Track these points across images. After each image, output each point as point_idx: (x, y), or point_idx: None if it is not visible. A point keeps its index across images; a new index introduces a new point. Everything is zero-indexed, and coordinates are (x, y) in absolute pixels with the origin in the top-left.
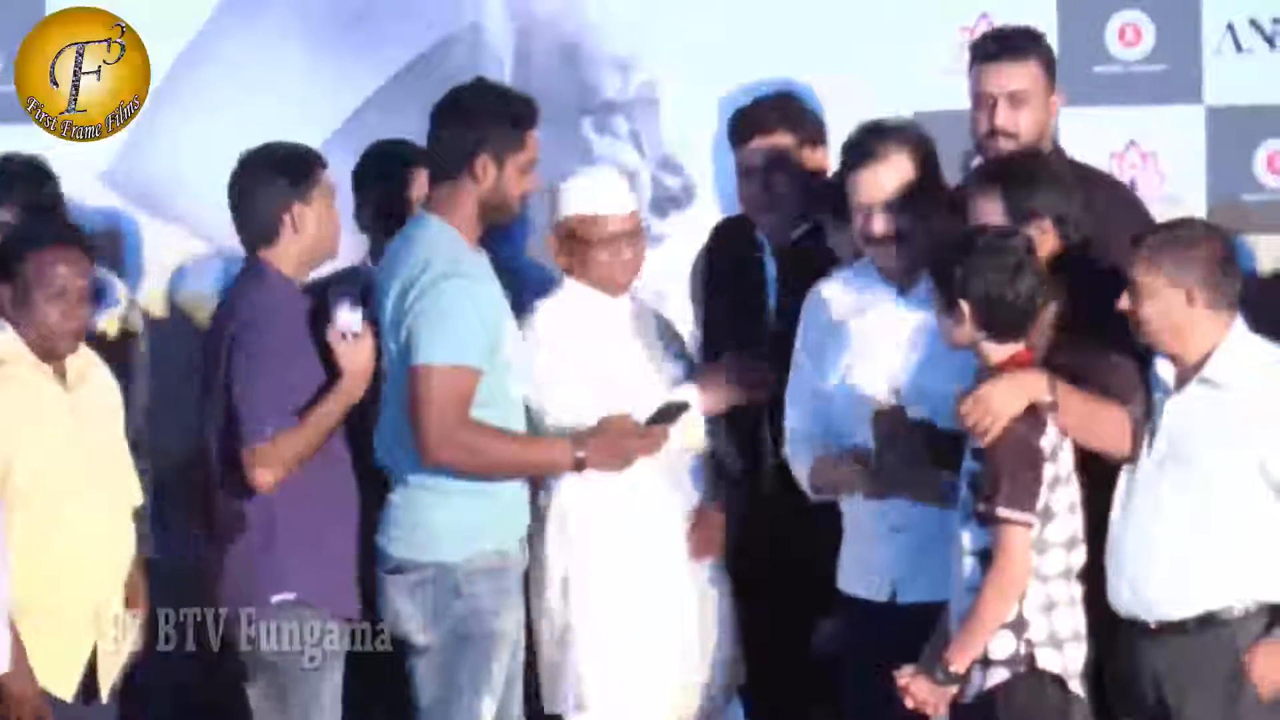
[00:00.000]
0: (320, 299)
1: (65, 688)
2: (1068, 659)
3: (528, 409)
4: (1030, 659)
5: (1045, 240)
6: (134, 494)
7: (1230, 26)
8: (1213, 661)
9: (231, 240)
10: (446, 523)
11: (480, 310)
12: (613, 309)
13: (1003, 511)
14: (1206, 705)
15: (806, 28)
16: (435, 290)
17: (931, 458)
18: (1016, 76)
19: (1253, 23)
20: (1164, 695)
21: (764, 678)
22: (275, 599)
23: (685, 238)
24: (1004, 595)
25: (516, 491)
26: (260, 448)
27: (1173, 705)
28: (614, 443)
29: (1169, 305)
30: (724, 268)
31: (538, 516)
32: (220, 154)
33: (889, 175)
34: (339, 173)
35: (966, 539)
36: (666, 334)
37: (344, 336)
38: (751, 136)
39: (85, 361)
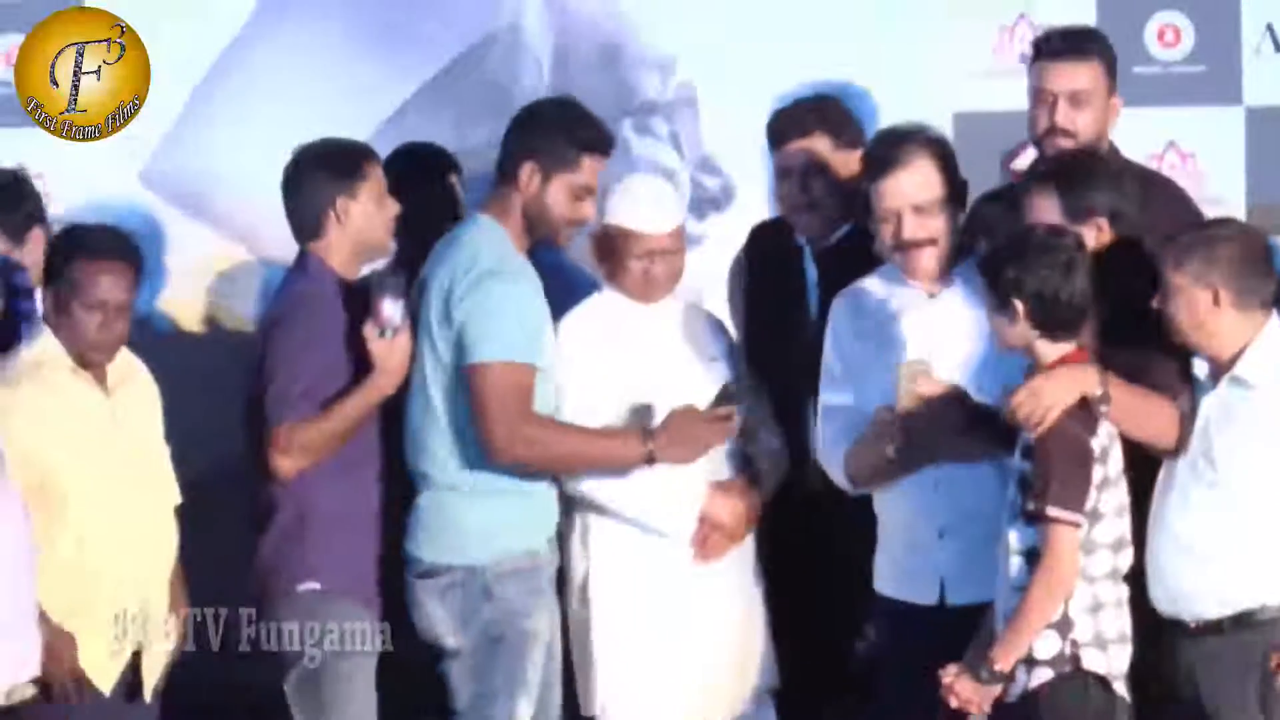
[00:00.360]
0: (364, 294)
1: (105, 685)
2: (1112, 660)
3: None
4: (1075, 659)
5: (1102, 239)
6: (174, 495)
7: (1270, 27)
8: (1246, 661)
9: (264, 242)
10: (474, 524)
11: (526, 310)
12: (645, 315)
13: (1052, 511)
14: (1240, 705)
15: (845, 28)
16: (483, 288)
17: (958, 421)
18: (1078, 76)
19: None
20: (1200, 695)
21: (798, 680)
22: (301, 588)
23: (724, 239)
24: (1051, 595)
25: (545, 490)
26: (281, 431)
27: (1207, 705)
28: (684, 432)
29: (1194, 304)
30: (763, 271)
31: (567, 513)
32: (256, 156)
33: (914, 180)
34: None
35: (1014, 538)
36: (709, 335)
37: (383, 332)
38: (789, 139)
39: (126, 364)
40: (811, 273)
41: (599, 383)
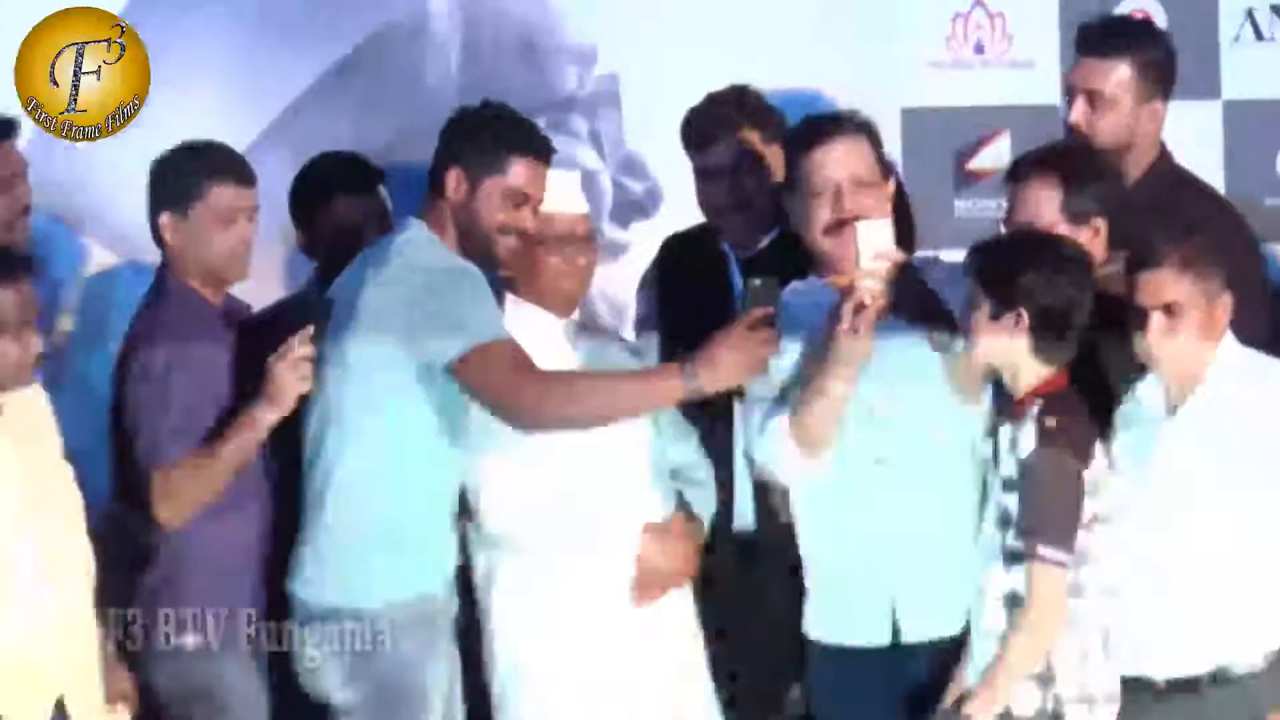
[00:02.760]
0: (258, 317)
1: None
2: None
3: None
4: (1058, 717)
5: (1095, 245)
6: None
7: (1250, 14)
8: None
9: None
10: (364, 566)
11: (489, 296)
12: (559, 337)
13: (1043, 550)
14: None
15: (783, 16)
16: (438, 285)
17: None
18: (1097, 75)
19: (1275, 9)
20: None
21: None
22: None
23: (649, 248)
24: (1033, 643)
25: (444, 529)
26: (158, 477)
27: None
28: (726, 352)
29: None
30: (682, 285)
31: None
32: (133, 156)
33: (853, 151)
34: (268, 178)
35: (992, 580)
36: (621, 365)
37: (294, 362)
38: (713, 137)
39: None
40: (738, 283)
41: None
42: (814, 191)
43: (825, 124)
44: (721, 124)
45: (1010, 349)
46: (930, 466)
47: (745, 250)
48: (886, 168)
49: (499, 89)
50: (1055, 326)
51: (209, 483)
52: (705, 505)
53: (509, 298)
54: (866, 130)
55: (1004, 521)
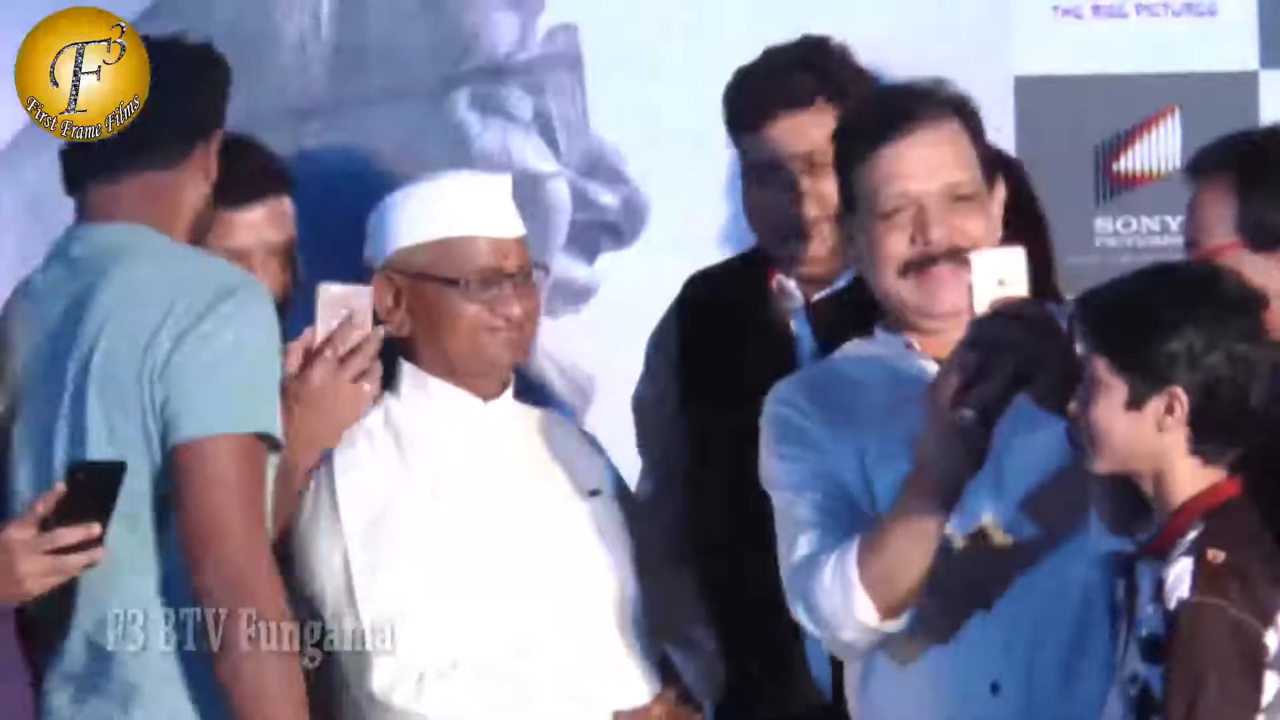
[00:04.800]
0: None
1: None
2: None
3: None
4: None
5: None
6: None
7: None
8: None
9: None
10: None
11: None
12: (480, 421)
13: None
14: None
15: None
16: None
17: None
18: None
19: None
20: None
21: None
22: None
23: (628, 289)
24: None
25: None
26: None
27: None
28: None
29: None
30: (717, 343)
31: None
32: None
33: (943, 147)
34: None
35: None
36: (583, 455)
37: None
38: (774, 113)
39: None
40: (806, 336)
41: (412, 540)
42: (881, 211)
43: (895, 108)
44: (791, 94)
45: (1157, 444)
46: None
47: (815, 287)
48: (994, 165)
49: (395, 50)
50: (1224, 411)
51: None
52: (706, 679)
53: (406, 370)
54: (960, 111)
55: (1142, 704)
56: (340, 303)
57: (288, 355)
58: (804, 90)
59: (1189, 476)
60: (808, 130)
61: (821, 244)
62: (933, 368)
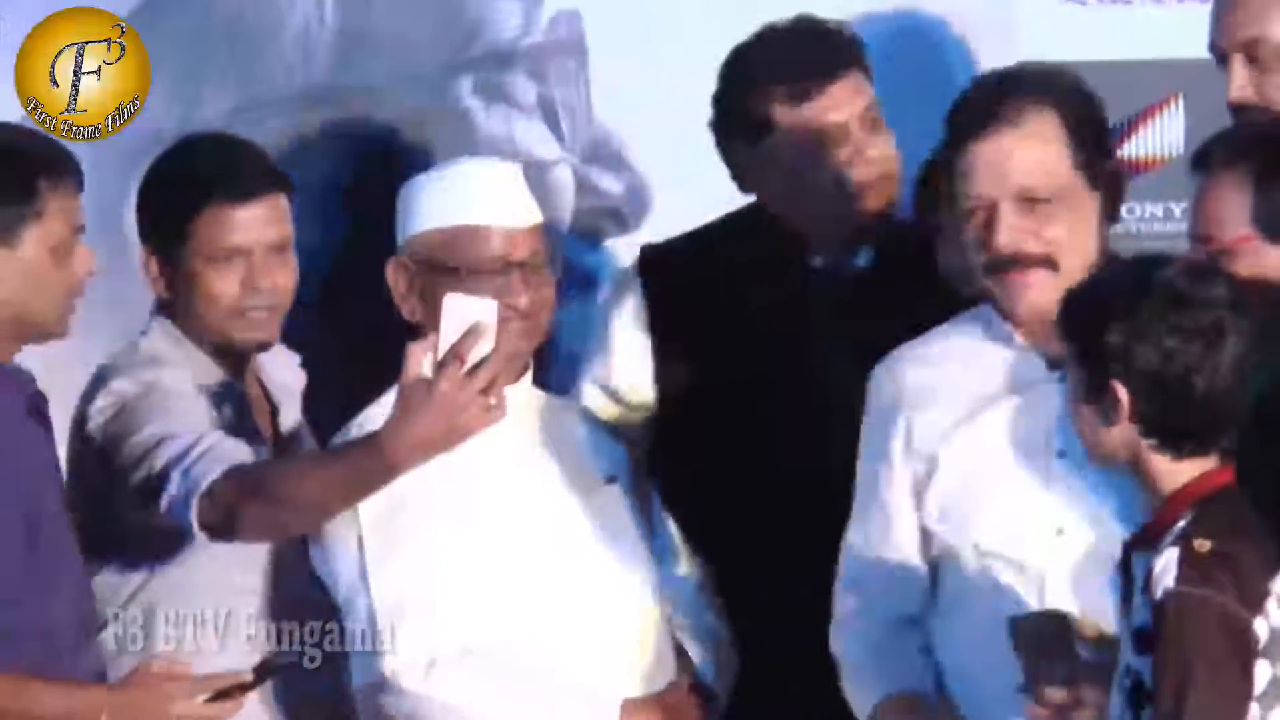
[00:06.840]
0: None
1: None
2: None
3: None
4: None
5: None
6: None
7: None
8: None
9: None
10: None
11: None
12: (508, 418)
13: None
14: None
15: None
16: None
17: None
18: (1249, 22)
19: None
20: None
21: None
22: None
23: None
24: None
25: None
26: None
27: None
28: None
29: None
30: (725, 310)
31: None
32: None
33: (1027, 147)
34: None
35: None
36: (595, 442)
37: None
38: (808, 88)
39: None
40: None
41: (425, 526)
42: (961, 210)
43: (982, 103)
44: (822, 66)
45: (1118, 440)
46: None
47: (836, 262)
48: (1096, 156)
49: (396, 38)
50: (1169, 405)
51: None
52: (720, 668)
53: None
54: (1064, 105)
55: (1137, 693)
56: (465, 312)
57: (408, 358)
58: (838, 59)
59: (1167, 467)
60: (853, 97)
61: (876, 201)
62: (1022, 356)
